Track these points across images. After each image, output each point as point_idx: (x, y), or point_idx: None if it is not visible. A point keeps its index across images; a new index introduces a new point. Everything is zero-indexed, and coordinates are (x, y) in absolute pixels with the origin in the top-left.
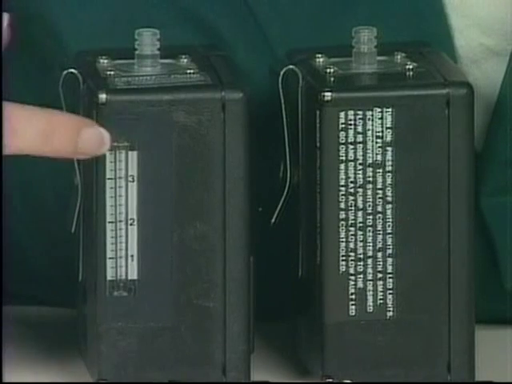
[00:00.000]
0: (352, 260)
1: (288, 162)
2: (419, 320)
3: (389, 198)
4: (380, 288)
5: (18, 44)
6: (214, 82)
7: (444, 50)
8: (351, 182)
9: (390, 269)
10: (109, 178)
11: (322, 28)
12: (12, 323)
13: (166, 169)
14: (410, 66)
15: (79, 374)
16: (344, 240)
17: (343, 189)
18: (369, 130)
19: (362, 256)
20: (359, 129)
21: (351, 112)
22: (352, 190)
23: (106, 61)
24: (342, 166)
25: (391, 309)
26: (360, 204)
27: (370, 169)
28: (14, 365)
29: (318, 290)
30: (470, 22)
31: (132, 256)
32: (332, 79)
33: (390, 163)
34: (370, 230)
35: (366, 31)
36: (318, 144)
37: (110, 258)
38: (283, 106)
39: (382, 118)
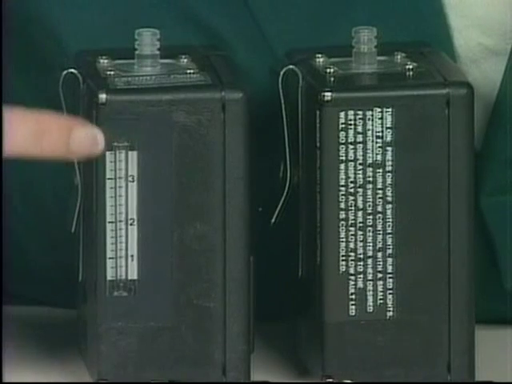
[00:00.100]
0: (352, 260)
1: (288, 162)
2: (419, 320)
3: (389, 198)
4: (380, 288)
5: (18, 44)
6: (213, 82)
7: (443, 49)
8: (351, 182)
9: (390, 269)
10: (109, 178)
11: (321, 28)
12: (12, 323)
13: (166, 169)
14: (410, 66)
15: (79, 374)
16: (344, 240)
17: (343, 189)
18: (369, 129)
19: (362, 256)
20: (359, 129)
21: (351, 112)
22: (352, 190)
23: (106, 61)
24: (342, 166)
25: (391, 309)
26: (360, 204)
27: (370, 169)
28: (14, 365)
29: (318, 289)
30: (469, 22)
31: (132, 256)
32: (332, 79)
33: (390, 163)
34: (369, 230)
35: (365, 31)
36: (318, 144)
37: (110, 258)
38: (283, 105)
39: (382, 118)
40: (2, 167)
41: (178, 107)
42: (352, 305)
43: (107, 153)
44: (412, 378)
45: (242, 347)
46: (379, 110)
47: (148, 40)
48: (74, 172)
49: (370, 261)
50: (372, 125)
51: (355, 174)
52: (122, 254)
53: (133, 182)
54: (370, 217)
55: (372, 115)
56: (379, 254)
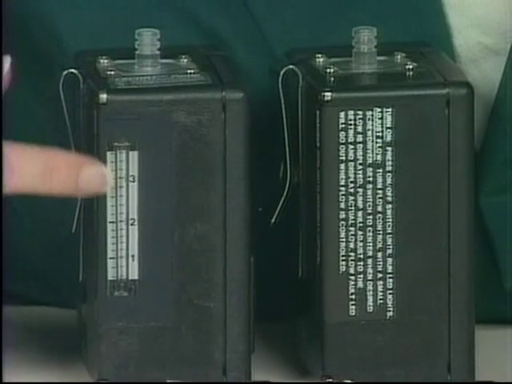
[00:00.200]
0: (352, 260)
1: (288, 162)
2: (419, 320)
3: (389, 198)
4: (380, 288)
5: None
6: (214, 82)
7: (443, 49)
8: (351, 182)
9: (390, 269)
10: None
11: (321, 28)
12: (12, 323)
13: (166, 169)
14: (410, 66)
15: (79, 374)
16: (344, 240)
17: (343, 189)
18: (369, 129)
19: (362, 256)
20: (359, 129)
21: (351, 112)
22: (352, 190)
23: (106, 61)
24: (342, 166)
25: (391, 309)
26: (360, 204)
27: (370, 169)
28: (14, 365)
29: (318, 289)
30: (468, 22)
31: (133, 256)
32: (332, 79)
33: (390, 163)
34: (369, 230)
35: (366, 31)
36: (318, 144)
37: (110, 258)
38: (283, 105)
39: (382, 118)
40: (1, 168)
41: (179, 107)
42: (352, 305)
43: (108, 153)
44: (412, 378)
45: (242, 347)
46: (379, 109)
47: (148, 40)
48: None
49: (369, 261)
50: (372, 125)
51: (355, 174)
52: (123, 254)
53: (133, 181)
54: (370, 217)
55: (372, 115)
56: (379, 254)
